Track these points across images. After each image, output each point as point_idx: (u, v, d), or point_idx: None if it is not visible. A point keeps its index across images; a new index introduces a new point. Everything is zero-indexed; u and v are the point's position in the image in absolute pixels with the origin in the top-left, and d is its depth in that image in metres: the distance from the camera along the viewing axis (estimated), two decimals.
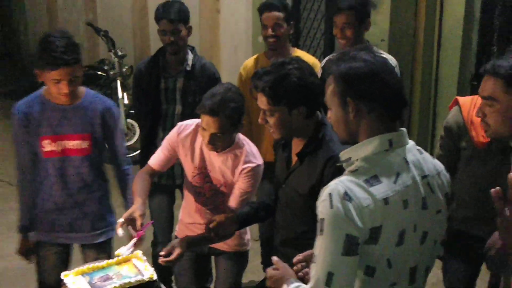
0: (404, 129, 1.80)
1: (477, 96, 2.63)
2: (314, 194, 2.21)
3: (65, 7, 8.77)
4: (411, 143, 1.81)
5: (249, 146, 2.80)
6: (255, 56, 3.90)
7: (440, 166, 1.88)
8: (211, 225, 2.51)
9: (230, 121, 2.59)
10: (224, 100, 2.56)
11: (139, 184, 2.79)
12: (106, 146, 3.08)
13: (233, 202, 2.76)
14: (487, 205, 2.66)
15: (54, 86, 2.73)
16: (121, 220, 2.59)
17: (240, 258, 3.02)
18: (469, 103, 2.63)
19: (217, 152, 2.72)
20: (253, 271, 4.29)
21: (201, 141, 2.75)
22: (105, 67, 6.90)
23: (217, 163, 2.78)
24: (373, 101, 1.73)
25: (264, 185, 3.88)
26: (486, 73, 1.92)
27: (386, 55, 3.31)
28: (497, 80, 1.87)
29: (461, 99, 2.70)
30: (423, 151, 1.86)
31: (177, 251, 2.56)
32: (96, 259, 3.05)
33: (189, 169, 2.86)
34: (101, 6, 8.06)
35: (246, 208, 2.65)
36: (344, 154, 1.80)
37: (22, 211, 2.99)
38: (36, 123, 2.85)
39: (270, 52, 3.65)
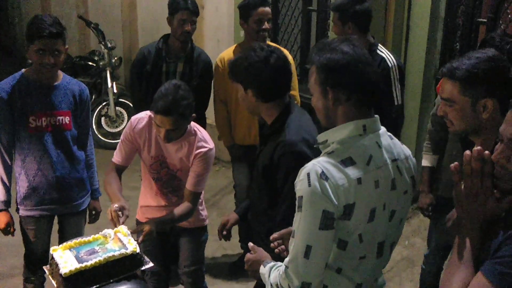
0: (377, 116, 1.81)
1: None
2: (265, 173, 2.26)
3: (58, 1, 8.64)
4: (382, 129, 1.83)
5: (200, 132, 2.81)
6: (231, 48, 3.88)
7: (407, 151, 1.90)
8: (224, 232, 2.58)
9: (183, 117, 2.60)
10: (176, 100, 2.55)
11: (112, 185, 2.76)
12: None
13: (189, 185, 2.79)
14: None
15: (39, 57, 2.74)
16: (115, 206, 2.56)
17: (200, 232, 3.04)
18: None
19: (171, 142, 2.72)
20: (232, 248, 4.31)
21: (155, 131, 2.73)
22: (95, 58, 6.83)
23: (173, 151, 2.79)
24: (350, 90, 1.73)
25: (242, 168, 3.89)
26: (443, 75, 1.93)
27: (386, 55, 3.28)
28: (454, 83, 1.88)
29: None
30: (393, 137, 1.88)
31: (147, 228, 2.57)
32: (77, 224, 3.09)
33: (147, 159, 2.85)
34: (92, 0, 7.96)
35: (245, 202, 2.67)
36: (321, 137, 1.81)
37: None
38: (21, 102, 2.84)
39: (245, 44, 3.64)
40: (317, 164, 1.68)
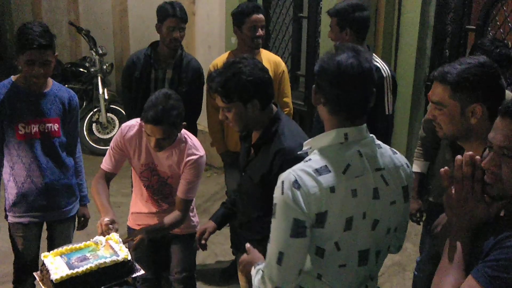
0: (364, 125, 1.79)
1: None
2: (264, 182, 2.25)
3: (49, 7, 8.62)
4: (370, 137, 1.81)
5: (191, 139, 2.81)
6: (224, 54, 3.88)
7: (400, 161, 1.87)
8: (202, 242, 2.57)
9: (173, 126, 2.60)
10: (166, 109, 2.55)
11: (100, 194, 2.75)
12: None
13: (180, 192, 2.78)
14: None
15: (28, 68, 2.73)
16: (106, 220, 2.57)
17: (191, 239, 3.00)
18: None
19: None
20: (223, 255, 4.30)
21: (146, 140, 2.73)
22: (87, 64, 6.80)
23: (163, 158, 2.78)
24: (325, 96, 1.75)
25: (235, 174, 3.88)
26: (435, 79, 1.93)
27: (381, 65, 3.20)
28: (445, 87, 1.88)
29: None
30: (383, 145, 1.86)
31: (139, 237, 2.60)
32: (66, 231, 3.09)
33: (137, 166, 2.84)
34: (83, 7, 7.95)
35: (220, 210, 2.68)
36: (306, 144, 1.82)
37: None
38: (10, 108, 2.83)
39: (239, 51, 3.64)
40: (292, 173, 1.69)
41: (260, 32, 3.59)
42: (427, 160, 3.14)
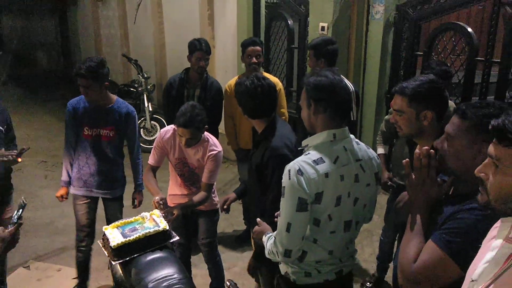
0: (346, 127, 1.79)
1: None
2: (258, 170, 2.24)
3: (108, 43, 8.62)
4: (351, 136, 1.81)
5: (211, 139, 2.79)
6: (235, 77, 3.86)
7: (372, 154, 1.87)
8: (225, 207, 2.56)
9: (198, 129, 2.59)
10: (192, 116, 2.55)
11: (151, 182, 2.77)
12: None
13: (204, 178, 2.79)
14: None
15: (79, 89, 2.80)
16: (157, 198, 2.59)
17: (214, 213, 3.01)
18: None
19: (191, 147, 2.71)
20: (238, 225, 4.28)
21: (178, 140, 2.73)
22: (135, 85, 6.79)
23: (192, 154, 2.78)
24: (326, 103, 1.73)
25: (245, 166, 3.83)
26: (395, 92, 1.92)
27: (347, 82, 3.19)
28: (403, 98, 1.87)
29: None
30: (360, 143, 1.86)
31: (176, 212, 2.60)
32: (114, 207, 3.11)
33: (172, 160, 2.84)
34: (133, 42, 7.94)
35: (241, 186, 2.68)
36: (304, 142, 1.81)
37: (64, 171, 3.02)
38: (80, 116, 2.90)
39: (245, 74, 3.60)
40: (296, 163, 1.69)
41: (254, 60, 3.55)
42: (386, 144, 3.14)
